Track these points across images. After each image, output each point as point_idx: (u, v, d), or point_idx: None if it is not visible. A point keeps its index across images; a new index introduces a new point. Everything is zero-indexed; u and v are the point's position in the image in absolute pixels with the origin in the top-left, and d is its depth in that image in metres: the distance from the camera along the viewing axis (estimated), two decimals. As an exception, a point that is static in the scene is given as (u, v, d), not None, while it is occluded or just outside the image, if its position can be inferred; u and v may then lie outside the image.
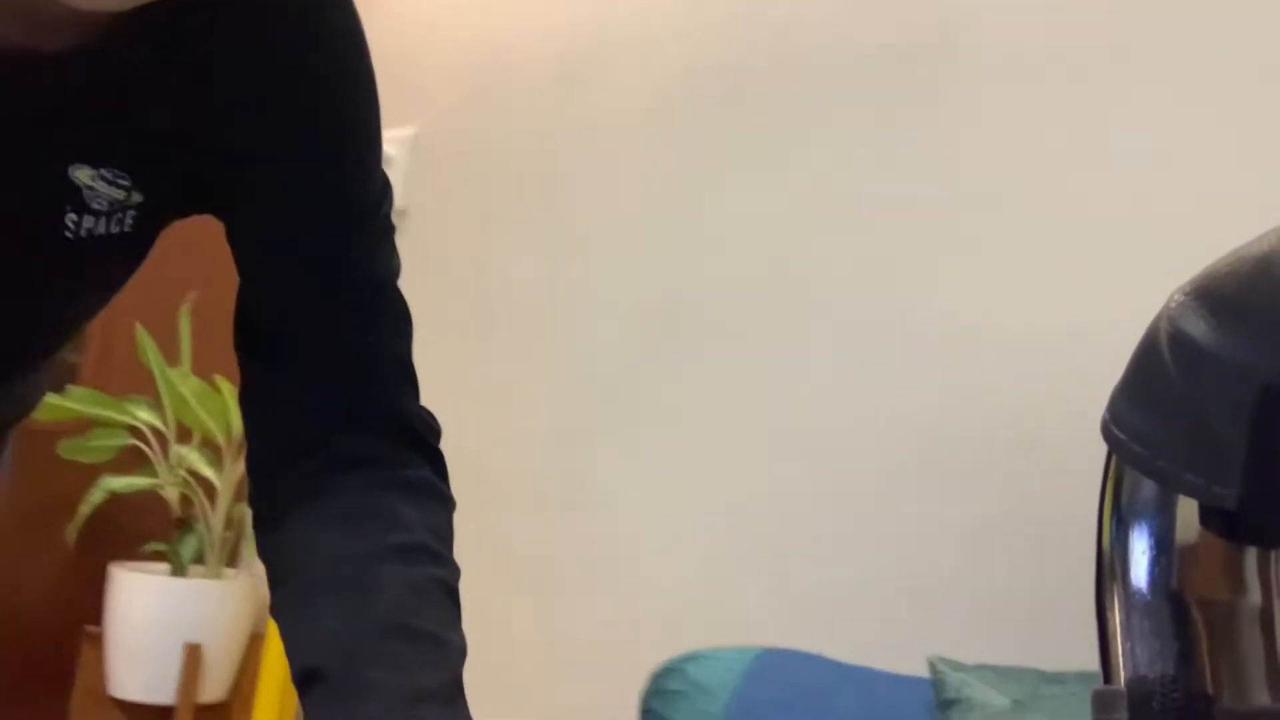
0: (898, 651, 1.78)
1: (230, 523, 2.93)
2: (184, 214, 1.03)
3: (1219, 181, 1.73)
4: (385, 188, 1.04)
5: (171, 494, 2.90)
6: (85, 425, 2.84)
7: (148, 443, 2.89)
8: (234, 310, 1.03)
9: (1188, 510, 0.62)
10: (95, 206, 0.95)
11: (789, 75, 2.21)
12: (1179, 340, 0.61)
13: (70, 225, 0.95)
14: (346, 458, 0.97)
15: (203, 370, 2.86)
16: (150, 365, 2.85)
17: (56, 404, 2.73)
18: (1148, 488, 0.62)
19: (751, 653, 1.79)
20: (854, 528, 2.01)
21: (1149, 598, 0.62)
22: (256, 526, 1.00)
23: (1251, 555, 0.62)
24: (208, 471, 2.86)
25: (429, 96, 2.89)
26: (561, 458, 2.41)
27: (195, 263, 2.88)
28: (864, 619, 1.97)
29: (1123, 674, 0.61)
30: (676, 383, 2.25)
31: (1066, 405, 1.76)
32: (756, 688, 1.74)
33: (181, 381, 2.81)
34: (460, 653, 0.91)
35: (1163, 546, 0.62)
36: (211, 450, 2.89)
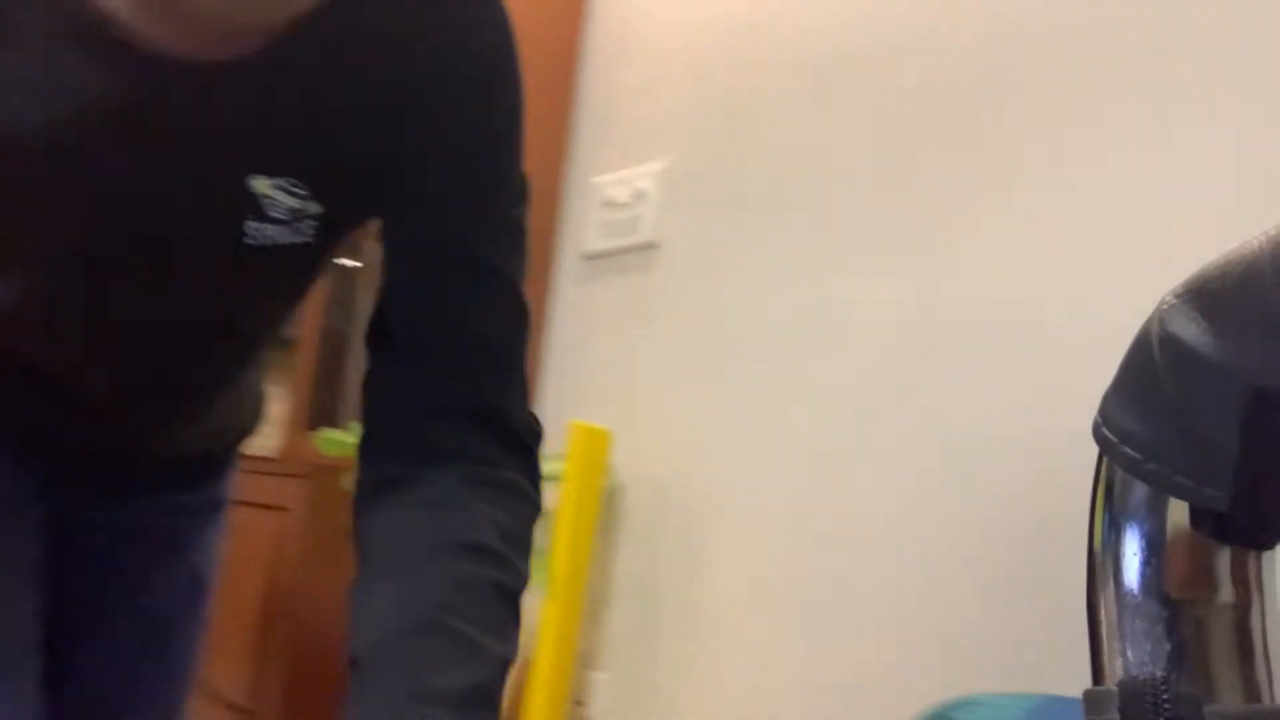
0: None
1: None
2: (359, 223, 1.07)
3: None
4: (520, 190, 1.07)
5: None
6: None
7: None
8: (374, 307, 1.06)
9: (1178, 512, 0.62)
10: (274, 215, 0.99)
11: (1065, 67, 2.08)
12: (1169, 343, 0.61)
13: (251, 233, 0.99)
14: (439, 450, 1.00)
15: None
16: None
17: (339, 441, 2.89)
18: (1139, 490, 0.63)
19: (1031, 700, 1.71)
20: None
21: (1140, 599, 0.62)
22: (353, 508, 1.03)
23: (1241, 557, 0.62)
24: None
25: (679, 127, 2.87)
26: (821, 489, 2.33)
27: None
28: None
29: (1114, 675, 0.62)
30: (940, 406, 2.20)
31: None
32: None
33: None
34: (498, 659, 0.92)
35: (1154, 548, 0.62)
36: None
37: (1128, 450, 0.62)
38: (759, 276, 2.54)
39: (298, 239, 1.01)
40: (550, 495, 2.86)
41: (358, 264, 3.39)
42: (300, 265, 1.07)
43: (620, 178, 2.94)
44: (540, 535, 2.78)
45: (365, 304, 3.60)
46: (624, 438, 2.73)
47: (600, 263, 3.07)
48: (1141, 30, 1.90)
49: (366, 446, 1.05)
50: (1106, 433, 0.64)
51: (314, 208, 1.00)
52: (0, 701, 1.17)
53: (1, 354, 1.18)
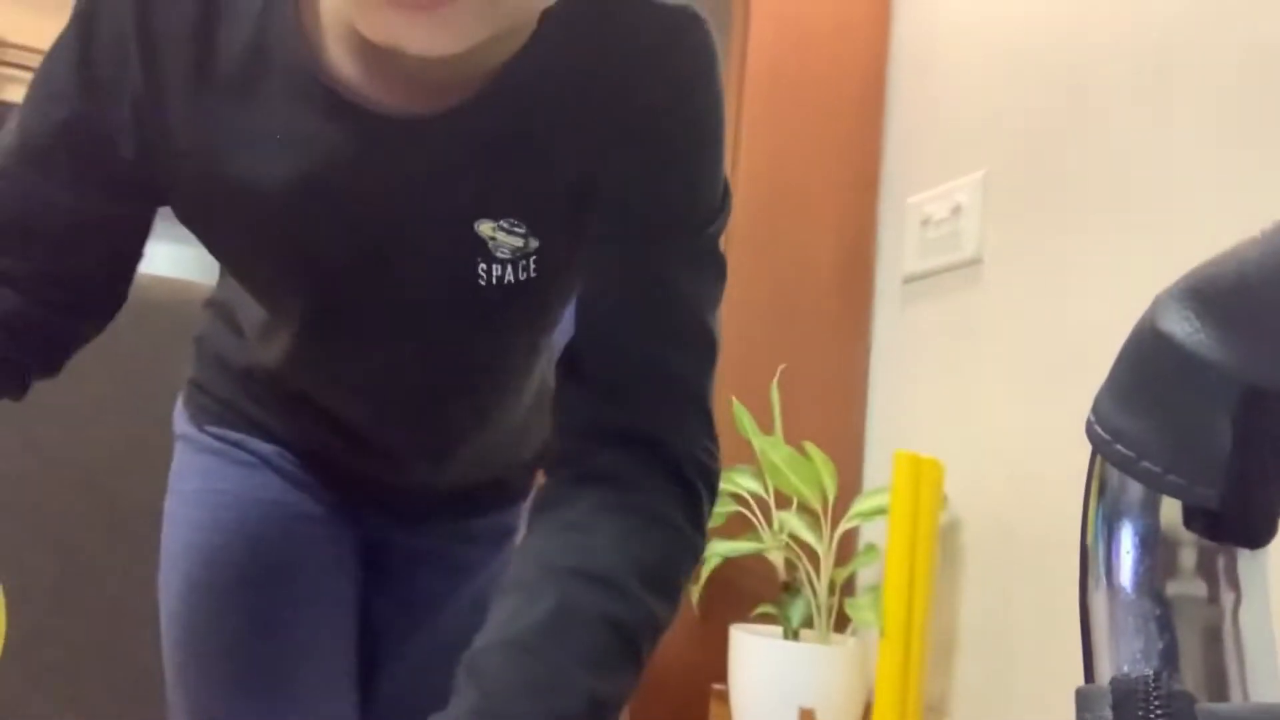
0: None
1: (833, 587, 3.01)
2: (573, 254, 1.09)
3: None
4: (717, 213, 1.08)
5: (776, 558, 3.04)
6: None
7: (751, 509, 3.02)
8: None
9: (1171, 510, 0.62)
10: (500, 255, 1.04)
11: None
12: (1162, 340, 0.62)
13: (482, 274, 1.05)
14: (593, 473, 1.01)
15: (792, 438, 3.01)
16: (746, 435, 2.99)
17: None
18: (1132, 488, 0.63)
19: None
20: None
21: (1132, 597, 0.62)
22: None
23: (1236, 556, 0.61)
24: (808, 536, 2.99)
25: (994, 136, 2.81)
26: (1058, 502, 2.28)
27: (782, 338, 3.06)
28: None
29: (1106, 673, 0.62)
30: None
31: None
32: None
33: (774, 449, 2.96)
34: (586, 694, 0.90)
35: (1146, 546, 0.62)
36: (809, 515, 3.00)
37: (1120, 448, 0.63)
38: (1092, 286, 2.43)
39: (524, 276, 1.06)
40: (880, 531, 2.85)
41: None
42: (530, 300, 1.11)
43: (937, 194, 2.91)
44: (871, 573, 2.83)
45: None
46: (957, 468, 2.70)
47: (921, 284, 3.04)
48: None
49: (545, 466, 1.09)
50: (1099, 430, 0.64)
51: (533, 244, 1.05)
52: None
53: (300, 401, 1.30)
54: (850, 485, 3.13)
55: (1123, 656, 0.61)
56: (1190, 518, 0.61)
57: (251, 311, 1.27)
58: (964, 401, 2.77)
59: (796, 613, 2.98)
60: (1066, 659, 2.38)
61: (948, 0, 3.07)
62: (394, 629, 1.44)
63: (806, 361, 3.08)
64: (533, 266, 1.07)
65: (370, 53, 0.99)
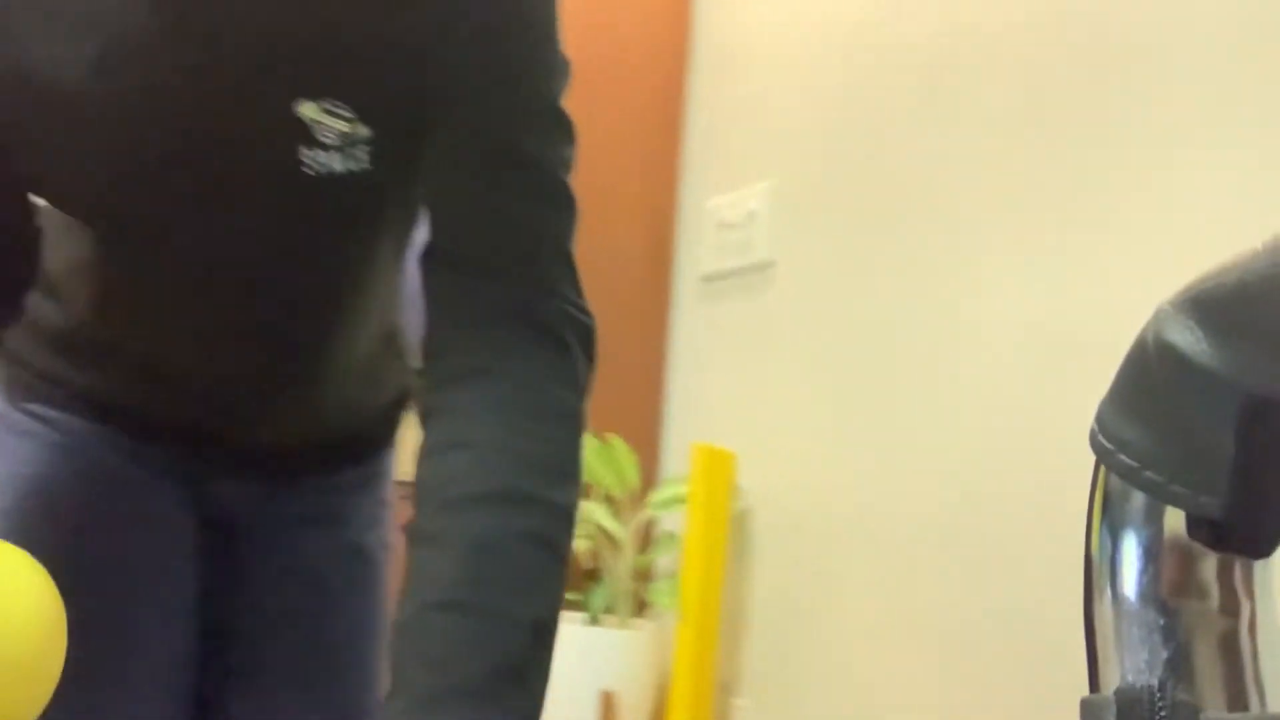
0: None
1: (634, 574, 3.02)
2: (414, 150, 1.04)
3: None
4: (559, 73, 1.04)
5: (580, 546, 3.05)
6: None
7: (555, 499, 3.02)
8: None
9: (1175, 520, 0.62)
10: (325, 140, 0.98)
11: (1185, 52, 2.00)
12: (1165, 350, 0.62)
13: (307, 162, 0.99)
14: (470, 366, 0.98)
15: (595, 430, 3.00)
16: (552, 426, 2.97)
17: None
18: (1136, 497, 0.63)
19: None
20: None
21: (1137, 606, 0.63)
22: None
23: (1239, 565, 0.62)
24: (610, 524, 3.00)
25: (788, 144, 2.86)
26: (952, 506, 2.30)
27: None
28: None
29: (1111, 683, 0.62)
30: (1077, 417, 2.13)
31: None
32: None
33: (578, 440, 2.94)
34: (527, 624, 0.90)
35: (1151, 556, 0.63)
36: (611, 504, 3.02)
37: (1124, 458, 0.63)
38: (879, 291, 2.50)
39: (354, 165, 1.00)
40: (677, 519, 2.88)
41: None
42: (364, 196, 1.05)
43: (732, 199, 2.95)
44: (669, 560, 2.82)
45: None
46: (750, 460, 2.74)
47: (719, 284, 3.08)
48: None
49: (421, 369, 1.04)
50: (1103, 441, 0.64)
51: (364, 131, 0.99)
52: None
53: (121, 353, 1.21)
54: (651, 475, 3.15)
55: (1127, 666, 0.62)
56: (1194, 527, 0.61)
57: (60, 254, 1.16)
58: (757, 396, 2.81)
59: (599, 599, 2.98)
60: (850, 637, 2.44)
61: (747, 4, 3.10)
62: (267, 601, 1.35)
63: (609, 355, 3.05)
64: (365, 156, 1.01)
65: None
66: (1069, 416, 2.07)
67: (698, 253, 3.14)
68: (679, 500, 2.89)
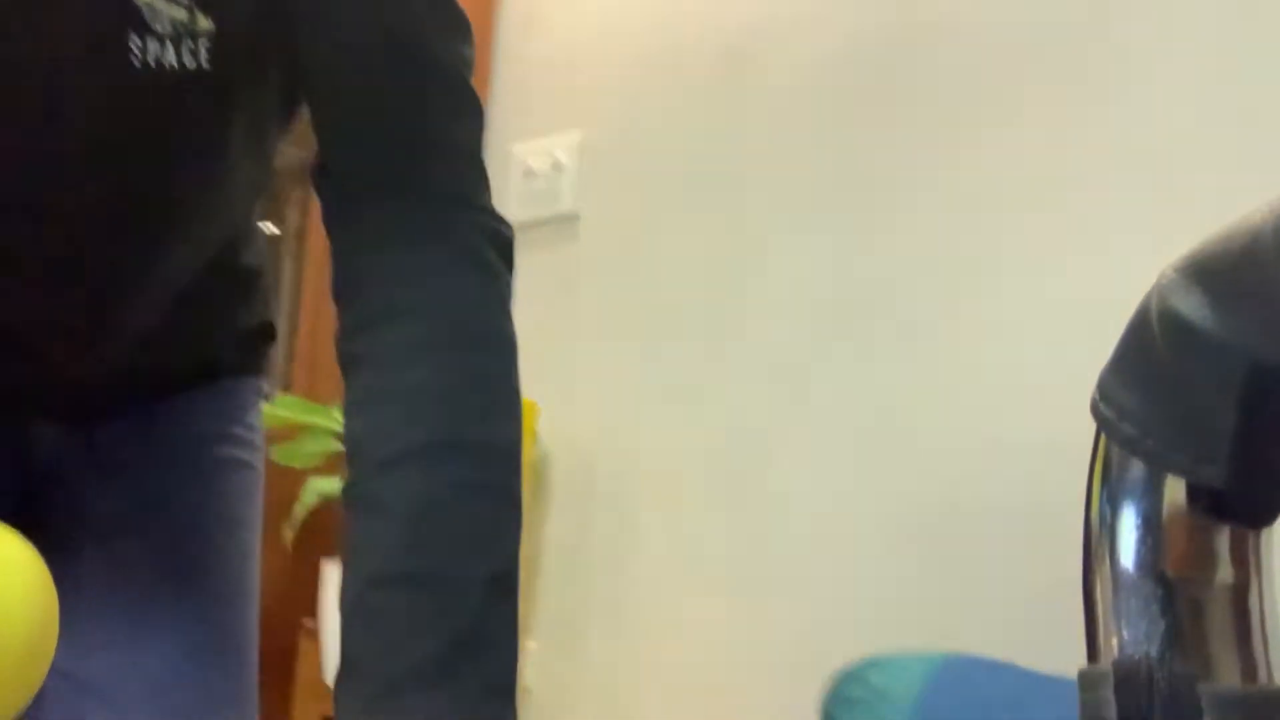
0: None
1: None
2: (266, 44, 0.96)
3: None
4: None
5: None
6: (296, 431, 2.95)
7: (353, 447, 2.97)
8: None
9: (1176, 489, 0.61)
10: (158, 28, 0.88)
11: (972, 46, 2.14)
12: (1168, 317, 0.61)
13: (135, 51, 0.88)
14: (382, 308, 0.91)
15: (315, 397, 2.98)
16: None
17: (269, 412, 2.85)
18: (1136, 467, 0.62)
19: (936, 659, 1.76)
20: (1044, 527, 1.98)
21: (1136, 577, 0.62)
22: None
23: (1239, 535, 0.61)
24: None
25: (595, 99, 2.88)
26: (741, 458, 2.39)
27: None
28: (1057, 625, 1.94)
29: (1110, 654, 0.61)
30: (853, 379, 2.24)
31: None
32: (941, 696, 1.70)
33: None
34: (480, 584, 0.83)
35: (1150, 526, 0.62)
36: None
37: (1125, 426, 0.62)
38: (679, 250, 2.61)
39: (191, 64, 0.89)
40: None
41: (276, 231, 3.34)
42: (202, 101, 0.95)
43: (539, 146, 2.94)
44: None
45: (287, 274, 3.55)
46: (551, 409, 2.74)
47: (523, 234, 3.04)
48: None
49: (335, 293, 0.96)
50: (1104, 409, 0.63)
51: (204, 23, 0.89)
52: None
53: None
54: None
55: (1125, 637, 0.61)
56: (1195, 497, 0.60)
57: None
58: (560, 348, 2.81)
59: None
60: (638, 580, 2.48)
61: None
62: (113, 531, 1.21)
63: (319, 324, 3.06)
64: (204, 53, 0.90)
65: None
66: (849, 374, 2.19)
67: (502, 201, 3.10)
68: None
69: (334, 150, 0.95)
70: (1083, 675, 0.60)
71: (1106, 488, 0.63)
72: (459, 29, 0.97)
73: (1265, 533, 0.61)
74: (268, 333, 1.33)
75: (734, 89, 2.55)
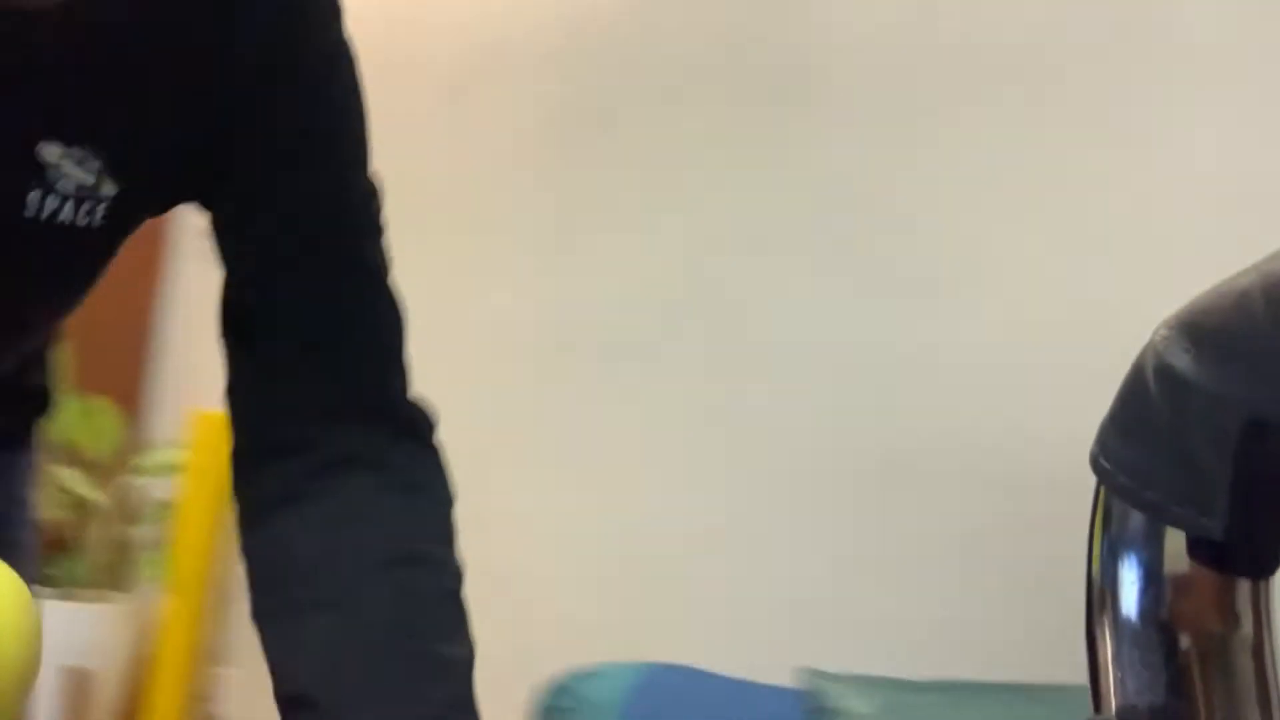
0: (782, 664, 1.89)
1: (116, 545, 2.85)
2: (164, 209, 0.99)
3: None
4: (377, 185, 1.01)
5: (54, 515, 2.83)
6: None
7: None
8: (220, 302, 0.98)
9: (1176, 541, 0.63)
10: (60, 188, 0.87)
11: (683, 92, 2.21)
12: (1164, 373, 0.62)
13: (31, 205, 0.87)
14: (335, 458, 0.94)
15: (78, 387, 2.80)
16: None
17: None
18: (1136, 518, 0.63)
19: (639, 669, 1.91)
20: (740, 544, 2.06)
21: (1139, 627, 0.63)
22: (239, 524, 0.97)
23: (1240, 585, 0.63)
24: (89, 493, 2.80)
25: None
26: (459, 479, 2.39)
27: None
28: (748, 633, 2.03)
29: (1113, 703, 0.62)
30: (567, 404, 2.27)
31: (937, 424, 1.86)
32: (645, 703, 1.84)
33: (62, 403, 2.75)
34: (462, 664, 0.89)
35: (1152, 577, 0.63)
36: (93, 472, 2.83)
37: (1124, 479, 0.63)
38: (399, 275, 2.54)
39: (84, 221, 0.90)
40: (170, 487, 2.74)
41: None
42: (86, 253, 0.96)
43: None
44: (161, 529, 2.70)
45: None
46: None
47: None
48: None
49: (244, 457, 0.97)
50: (1104, 462, 0.64)
51: (109, 189, 0.89)
52: None
53: None
54: (137, 441, 2.97)
55: (1129, 688, 0.62)
56: (1195, 548, 0.62)
57: None
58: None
59: (72, 572, 2.79)
60: None
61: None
62: None
63: (104, 310, 2.87)
64: (101, 213, 0.90)
65: None
66: (569, 401, 2.22)
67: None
68: (171, 467, 2.76)
69: (264, 326, 0.97)
70: (1087, 725, 0.61)
71: (1107, 538, 0.64)
72: (385, 239, 1.02)
73: (1269, 583, 0.63)
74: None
75: (454, 114, 2.61)
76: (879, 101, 2.05)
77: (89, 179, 0.88)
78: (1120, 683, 0.62)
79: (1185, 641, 0.62)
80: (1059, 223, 1.97)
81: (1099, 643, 0.64)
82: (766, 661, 1.90)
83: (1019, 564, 1.92)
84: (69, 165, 0.87)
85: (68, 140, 0.87)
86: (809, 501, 2.09)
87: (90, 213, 0.89)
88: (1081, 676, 0.64)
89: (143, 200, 0.94)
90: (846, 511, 2.07)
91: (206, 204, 0.98)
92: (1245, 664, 0.62)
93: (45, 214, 0.88)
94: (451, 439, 2.34)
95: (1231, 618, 0.63)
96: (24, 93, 0.86)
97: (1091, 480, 0.66)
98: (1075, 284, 1.96)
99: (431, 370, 2.38)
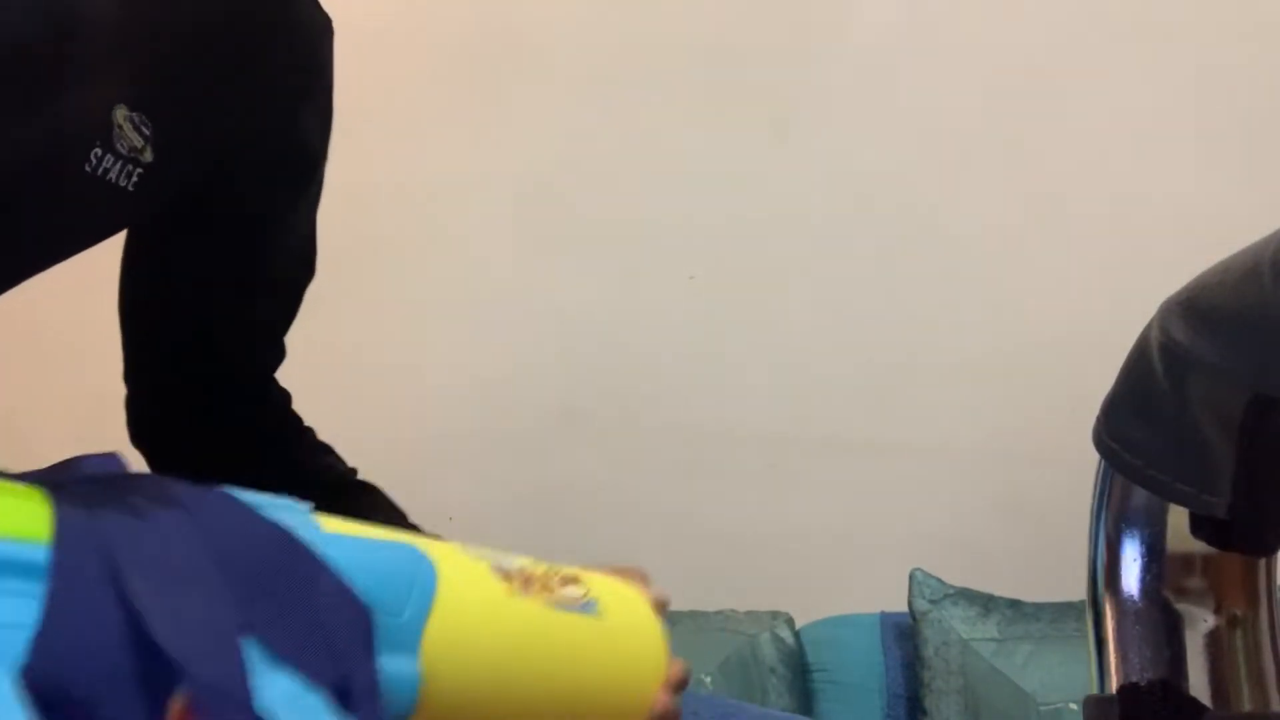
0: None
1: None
2: (175, 197, 1.02)
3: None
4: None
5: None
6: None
7: None
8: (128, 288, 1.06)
9: (1178, 518, 0.62)
10: (118, 148, 0.93)
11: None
12: (1169, 350, 0.61)
13: (93, 159, 0.92)
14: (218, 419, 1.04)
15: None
16: None
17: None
18: (1139, 496, 0.63)
19: None
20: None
21: (1140, 605, 0.62)
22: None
23: (1243, 563, 0.62)
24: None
25: None
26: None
27: None
28: None
29: (1115, 680, 0.62)
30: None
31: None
32: None
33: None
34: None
35: (1154, 554, 0.62)
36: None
37: (1127, 457, 0.62)
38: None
39: (123, 182, 0.94)
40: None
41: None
42: (114, 214, 1.01)
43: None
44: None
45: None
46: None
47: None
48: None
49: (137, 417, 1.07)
50: (1107, 440, 0.63)
51: (148, 156, 0.95)
52: None
53: None
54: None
55: (1131, 665, 0.61)
56: (1197, 525, 0.61)
57: None
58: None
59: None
60: None
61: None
62: None
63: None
64: (135, 178, 0.95)
65: None
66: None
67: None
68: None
69: (208, 343, 1.07)
70: (1089, 703, 0.61)
71: (1110, 516, 0.63)
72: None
73: (1273, 561, 0.62)
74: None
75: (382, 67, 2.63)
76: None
77: (139, 143, 0.93)
78: (1122, 660, 0.62)
79: (1186, 619, 0.62)
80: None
81: (1102, 620, 0.63)
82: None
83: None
84: (129, 128, 0.92)
85: (132, 104, 0.92)
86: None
87: (129, 175, 0.94)
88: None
89: (163, 179, 0.98)
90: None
91: (189, 201, 1.03)
92: (1245, 641, 0.62)
93: (100, 170, 0.92)
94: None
95: (1234, 595, 0.62)
96: (118, 54, 0.91)
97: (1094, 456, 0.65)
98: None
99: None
